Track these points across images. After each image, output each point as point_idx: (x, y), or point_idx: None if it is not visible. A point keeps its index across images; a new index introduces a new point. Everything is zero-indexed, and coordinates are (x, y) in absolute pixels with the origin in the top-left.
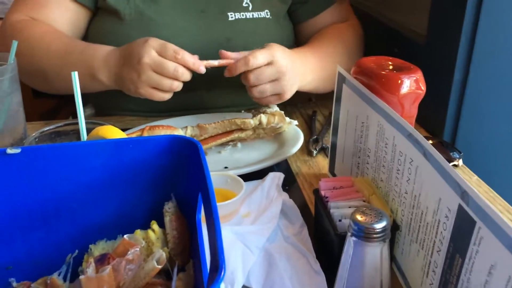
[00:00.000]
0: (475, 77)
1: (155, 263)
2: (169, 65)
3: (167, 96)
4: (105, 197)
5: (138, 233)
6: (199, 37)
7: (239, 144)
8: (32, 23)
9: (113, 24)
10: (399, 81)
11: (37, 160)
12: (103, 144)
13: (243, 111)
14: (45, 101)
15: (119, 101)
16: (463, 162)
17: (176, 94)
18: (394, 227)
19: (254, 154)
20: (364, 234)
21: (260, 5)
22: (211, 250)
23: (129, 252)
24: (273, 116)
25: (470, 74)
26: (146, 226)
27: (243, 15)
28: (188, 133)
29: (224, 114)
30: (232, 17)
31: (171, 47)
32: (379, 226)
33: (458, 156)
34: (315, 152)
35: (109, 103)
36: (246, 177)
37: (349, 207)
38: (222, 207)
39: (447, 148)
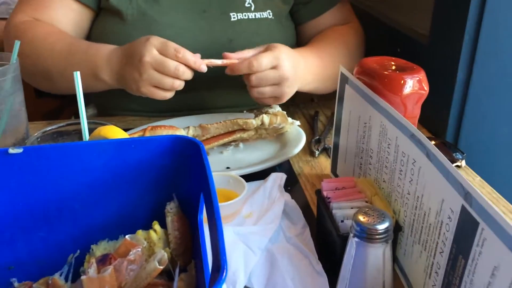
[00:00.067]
0: (478, 77)
1: (157, 264)
2: (170, 63)
3: (168, 95)
4: (107, 197)
5: (140, 233)
6: (201, 38)
7: (241, 145)
8: (35, 24)
9: (116, 25)
10: (402, 82)
11: (39, 160)
12: (105, 144)
13: (245, 111)
14: (48, 101)
15: (121, 101)
16: (466, 163)
17: (178, 94)
18: (397, 228)
19: (256, 155)
20: (366, 235)
21: (263, 5)
22: (213, 251)
23: (130, 253)
24: (275, 117)
25: (473, 74)
26: (148, 227)
27: (245, 15)
28: (190, 133)
29: (226, 114)
30: (234, 18)
31: (172, 45)
32: (382, 227)
33: (461, 157)
34: (317, 152)
35: (111, 103)
36: (248, 178)
37: (352, 208)
38: (224, 208)
39: (450, 148)
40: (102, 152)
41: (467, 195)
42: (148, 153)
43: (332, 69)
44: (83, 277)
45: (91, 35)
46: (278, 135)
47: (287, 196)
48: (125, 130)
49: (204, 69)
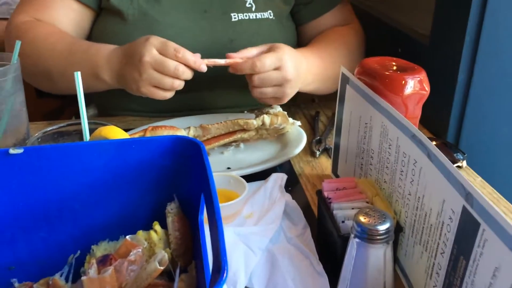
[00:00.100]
0: (479, 77)
1: (157, 264)
2: (170, 63)
3: (168, 94)
4: (108, 198)
5: (141, 234)
6: (202, 38)
7: (242, 145)
8: (36, 24)
9: (117, 25)
10: (403, 82)
11: (40, 161)
12: (106, 145)
13: (246, 111)
14: (49, 101)
15: (122, 101)
16: (467, 164)
17: (179, 94)
18: (398, 229)
19: (257, 155)
20: (367, 235)
21: (263, 5)
22: (213, 251)
23: (131, 253)
24: (276, 117)
25: (474, 75)
26: (148, 227)
27: (246, 15)
28: (191, 133)
29: (227, 115)
30: (235, 18)
31: (172, 45)
32: (383, 227)
33: (462, 158)
34: (318, 153)
35: (112, 103)
36: (249, 178)
37: (352, 209)
38: (225, 208)
39: (451, 149)
40: (103, 153)
41: (468, 195)
42: (149, 153)
43: (333, 69)
44: (83, 278)
45: (92, 35)
46: (279, 135)
47: (288, 196)
48: (126, 130)
49: (204, 69)
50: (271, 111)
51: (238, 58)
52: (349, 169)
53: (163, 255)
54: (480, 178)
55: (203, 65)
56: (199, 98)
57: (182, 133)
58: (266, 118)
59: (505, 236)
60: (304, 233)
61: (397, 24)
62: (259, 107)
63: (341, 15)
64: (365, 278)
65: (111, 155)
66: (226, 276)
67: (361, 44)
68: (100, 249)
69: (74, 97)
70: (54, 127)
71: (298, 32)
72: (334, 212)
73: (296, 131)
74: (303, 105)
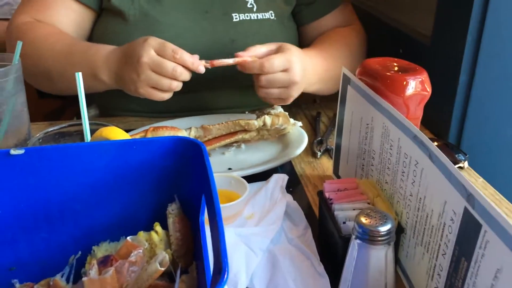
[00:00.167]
0: (481, 78)
1: (158, 265)
2: (168, 64)
3: (166, 96)
4: (109, 199)
5: (141, 234)
6: (203, 38)
7: (243, 146)
8: (37, 25)
9: (118, 25)
10: (405, 83)
11: (41, 161)
12: (107, 145)
13: (247, 112)
14: (50, 101)
15: (123, 101)
16: (469, 164)
17: (180, 95)
18: (399, 230)
19: (258, 156)
20: (368, 236)
21: (265, 6)
22: (214, 252)
23: (132, 254)
24: (277, 118)
25: (476, 76)
26: (149, 228)
27: (247, 16)
28: (192, 134)
29: (228, 115)
30: (236, 18)
31: (170, 46)
32: (384, 229)
33: (463, 158)
34: (319, 153)
35: (113, 103)
36: (250, 179)
37: (354, 209)
38: (226, 209)
39: (452, 150)
40: (104, 153)
41: (469, 197)
42: (150, 154)
43: (335, 70)
44: (84, 279)
45: (93, 35)
46: (280, 136)
47: (289, 197)
48: (127, 131)
49: (202, 70)
50: (272, 111)
51: (246, 56)
52: (350, 170)
53: (164, 256)
54: (481, 179)
55: (201, 66)
56: (200, 98)
57: (183, 133)
58: (267, 119)
59: (507, 237)
60: (305, 234)
61: (399, 25)
62: (260, 107)
63: (343, 16)
64: (366, 279)
65: (112, 155)
66: (227, 277)
67: (362, 45)
68: (101, 250)
69: (75, 98)
70: (55, 127)
71: (299, 32)
72: (335, 213)
73: (297, 132)
74: (304, 105)
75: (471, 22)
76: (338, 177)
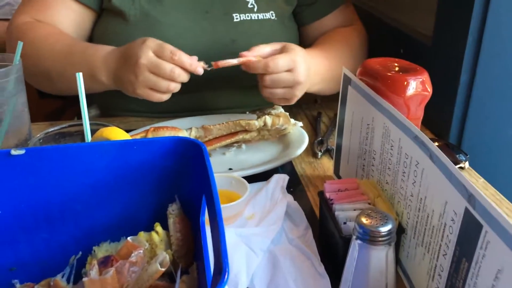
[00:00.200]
0: (482, 78)
1: (159, 266)
2: (166, 66)
3: (164, 97)
4: (109, 199)
5: (142, 235)
6: (204, 38)
7: (243, 146)
8: (37, 25)
9: (118, 25)
10: (405, 83)
11: (41, 162)
12: (107, 146)
13: (247, 112)
14: (51, 101)
15: (124, 102)
16: (469, 165)
17: (180, 95)
18: (400, 230)
19: (259, 156)
20: (369, 237)
21: (265, 6)
22: (215, 253)
23: (132, 254)
24: (278, 118)
25: (477, 76)
26: (149, 228)
27: (248, 16)
28: (193, 134)
29: (229, 115)
30: (237, 18)
31: (168, 48)
32: (385, 229)
33: (464, 159)
34: (320, 154)
35: (113, 104)
36: (251, 179)
37: (354, 210)
38: (226, 209)
39: (453, 150)
40: (104, 154)
41: (470, 197)
42: (150, 154)
43: (337, 70)
44: (84, 279)
45: (93, 35)
46: (280, 136)
47: (290, 197)
48: (127, 131)
49: (200, 71)
50: (273, 112)
51: (251, 56)
52: (351, 170)
53: (165, 256)
54: (482, 179)
55: (199, 68)
56: (201, 98)
57: (183, 134)
58: (268, 119)
59: (508, 238)
60: (305, 234)
61: (399, 25)
62: (261, 107)
63: (344, 16)
64: (366, 280)
65: (112, 156)
66: (228, 277)
67: (364, 45)
68: (102, 250)
69: (76, 98)
70: (56, 128)
71: (300, 33)
72: (336, 213)
73: (298, 132)
74: (305, 105)
75: (472, 22)
76: (339, 177)
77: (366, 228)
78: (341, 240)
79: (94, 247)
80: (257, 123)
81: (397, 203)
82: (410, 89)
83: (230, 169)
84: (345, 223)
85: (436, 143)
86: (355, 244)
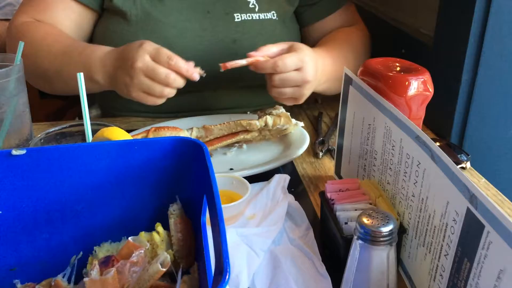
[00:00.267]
0: (483, 78)
1: (160, 266)
2: (161, 71)
3: (159, 101)
4: (110, 199)
5: (143, 235)
6: (205, 38)
7: (244, 146)
8: (36, 25)
9: (119, 25)
10: (407, 83)
11: (42, 162)
12: (108, 146)
13: (249, 112)
14: (52, 102)
15: (125, 102)
16: (471, 165)
17: (181, 95)
18: (401, 231)
19: (260, 156)
20: (370, 237)
21: (267, 6)
22: (215, 253)
23: (133, 255)
24: (279, 118)
25: (478, 76)
26: (150, 228)
27: (249, 16)
28: (194, 134)
29: (230, 115)
30: (238, 18)
31: (165, 52)
32: (386, 229)
33: (465, 159)
34: (321, 154)
35: (114, 104)
36: (252, 179)
37: (355, 210)
38: (227, 209)
39: (454, 150)
40: (105, 154)
41: (472, 197)
42: (151, 154)
43: (342, 70)
44: (85, 279)
45: (94, 36)
46: (281, 136)
47: (291, 197)
48: (128, 131)
49: (196, 77)
50: (274, 112)
51: (259, 56)
52: (352, 170)
53: (166, 256)
54: (484, 180)
55: (195, 73)
56: (202, 98)
57: (184, 134)
58: (269, 119)
59: (510, 238)
60: (307, 235)
61: (401, 25)
62: (262, 107)
63: (346, 16)
64: (368, 280)
65: (113, 156)
66: (229, 277)
67: (366, 45)
68: (102, 250)
69: (77, 98)
70: (57, 128)
71: (302, 33)
72: (337, 213)
73: (299, 132)
74: (306, 105)
75: (473, 22)
76: (340, 177)
77: (367, 228)
78: (343, 240)
79: (95, 247)
80: (258, 123)
81: (398, 203)
82: (412, 89)
83: (231, 169)
84: (346, 223)
85: (438, 143)
86: (356, 244)
